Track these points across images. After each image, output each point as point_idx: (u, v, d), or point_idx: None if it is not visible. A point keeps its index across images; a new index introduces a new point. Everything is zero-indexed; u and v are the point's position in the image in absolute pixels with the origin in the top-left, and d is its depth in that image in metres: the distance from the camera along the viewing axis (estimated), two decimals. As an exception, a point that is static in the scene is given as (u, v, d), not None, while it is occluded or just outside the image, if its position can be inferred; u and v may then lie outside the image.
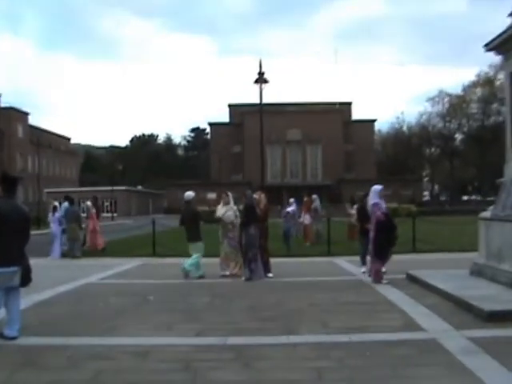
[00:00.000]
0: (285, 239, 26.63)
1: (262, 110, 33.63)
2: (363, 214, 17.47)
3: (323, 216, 30.51)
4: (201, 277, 17.53)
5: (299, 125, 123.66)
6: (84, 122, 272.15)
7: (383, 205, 15.88)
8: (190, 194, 18.21)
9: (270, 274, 17.54)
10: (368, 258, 16.82)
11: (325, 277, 17.47)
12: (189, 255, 18.19)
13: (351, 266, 19.99)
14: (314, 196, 31.06)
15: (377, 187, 16.10)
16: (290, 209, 28.98)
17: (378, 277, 15.79)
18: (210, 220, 18.93)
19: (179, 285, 16.46)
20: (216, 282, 16.90)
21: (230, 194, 18.49)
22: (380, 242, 15.53)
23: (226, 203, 18.32)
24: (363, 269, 18.08)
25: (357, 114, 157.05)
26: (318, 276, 17.69)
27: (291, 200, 30.64)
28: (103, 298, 14.28)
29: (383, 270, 16.19)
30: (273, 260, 18.61)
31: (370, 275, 16.26)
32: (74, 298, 14.48)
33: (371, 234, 15.94)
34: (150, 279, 17.77)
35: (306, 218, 30.11)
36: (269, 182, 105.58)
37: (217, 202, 22.61)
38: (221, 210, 18.32)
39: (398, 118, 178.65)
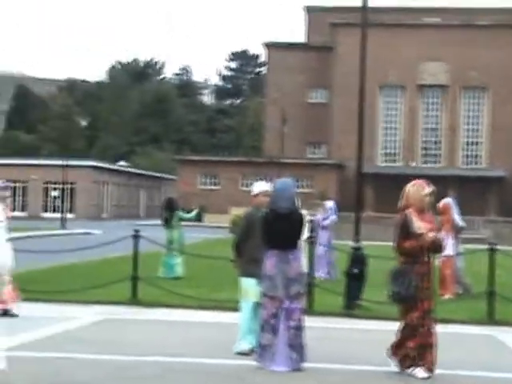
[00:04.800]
0: None
1: (366, 16, 15.77)
2: None
3: (484, 239, 18.70)
4: (251, 351, 9.68)
5: (446, 53, 71.50)
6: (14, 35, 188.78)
7: None
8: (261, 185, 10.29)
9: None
10: None
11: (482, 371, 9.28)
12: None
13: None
14: (447, 201, 17.62)
15: None
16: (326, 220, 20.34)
17: None
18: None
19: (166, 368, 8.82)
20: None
21: None
22: None
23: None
24: None
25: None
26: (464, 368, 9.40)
27: (328, 204, 20.88)
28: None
29: None
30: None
31: None
32: None
33: None
34: (111, 354, 9.64)
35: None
36: (379, 166, 71.26)
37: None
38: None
39: None
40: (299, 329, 9.06)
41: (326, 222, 20.40)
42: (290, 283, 9.07)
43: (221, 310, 14.14)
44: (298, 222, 9.33)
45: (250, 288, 9.82)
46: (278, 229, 9.10)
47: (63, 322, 12.27)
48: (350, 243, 15.59)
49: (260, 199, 10.00)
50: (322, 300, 14.55)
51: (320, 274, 19.29)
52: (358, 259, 14.78)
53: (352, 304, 14.39)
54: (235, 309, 12.76)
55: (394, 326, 12.88)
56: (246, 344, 9.84)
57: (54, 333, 11.34)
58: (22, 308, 12.62)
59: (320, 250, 19.40)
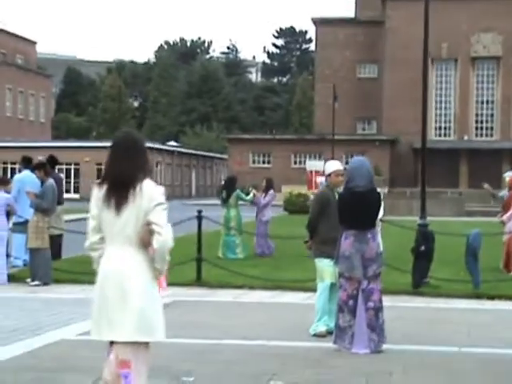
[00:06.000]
0: (469, 260, 14.13)
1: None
2: None
3: None
4: (328, 332, 9.58)
5: (499, 24, 69.17)
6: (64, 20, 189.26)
7: None
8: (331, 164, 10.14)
9: None
10: None
11: None
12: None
13: None
14: (508, 174, 17.76)
15: None
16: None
17: None
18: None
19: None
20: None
21: None
22: None
23: None
24: None
25: None
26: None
27: None
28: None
29: None
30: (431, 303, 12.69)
31: None
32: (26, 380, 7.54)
33: None
34: (189, 338, 9.63)
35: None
36: (432, 140, 65.52)
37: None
38: None
39: None
40: (379, 310, 8.92)
41: None
42: (368, 263, 8.92)
43: (288, 290, 13.99)
44: (376, 200, 9.14)
45: (325, 269, 9.67)
46: (355, 208, 8.91)
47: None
48: (406, 218, 15.34)
49: (333, 179, 9.86)
50: (389, 278, 14.35)
51: None
52: (425, 236, 14.52)
53: (420, 282, 14.19)
54: (303, 289, 12.74)
55: (464, 304, 12.78)
56: (322, 326, 9.71)
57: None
58: (87, 291, 12.26)
59: None
